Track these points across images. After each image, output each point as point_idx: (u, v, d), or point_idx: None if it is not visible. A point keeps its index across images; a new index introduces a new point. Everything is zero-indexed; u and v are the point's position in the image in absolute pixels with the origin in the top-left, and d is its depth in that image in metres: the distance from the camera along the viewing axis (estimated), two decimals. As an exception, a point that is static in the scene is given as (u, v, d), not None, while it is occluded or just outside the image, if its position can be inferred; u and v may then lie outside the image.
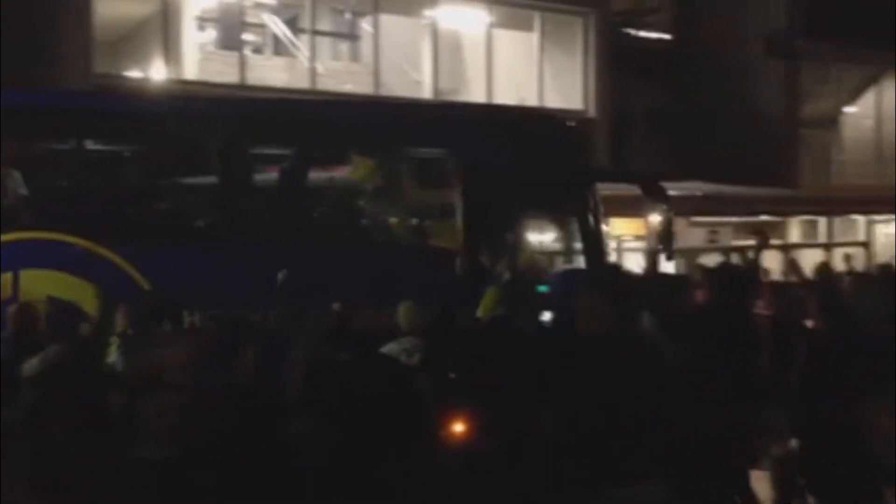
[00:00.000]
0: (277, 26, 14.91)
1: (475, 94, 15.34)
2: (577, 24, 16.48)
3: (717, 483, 4.85)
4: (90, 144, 7.13)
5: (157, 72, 13.28)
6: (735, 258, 10.64)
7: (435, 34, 15.22)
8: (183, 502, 3.19)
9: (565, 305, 4.98)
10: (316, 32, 14.83)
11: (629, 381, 3.54)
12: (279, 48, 15.29)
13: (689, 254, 14.53)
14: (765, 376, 5.23)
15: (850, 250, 17.05)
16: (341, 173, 7.38)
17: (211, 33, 15.00)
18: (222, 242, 6.80)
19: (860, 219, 17.96)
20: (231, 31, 14.34)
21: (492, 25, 15.70)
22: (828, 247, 17.27)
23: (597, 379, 3.51)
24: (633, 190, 7.76)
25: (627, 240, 14.11)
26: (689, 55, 18.81)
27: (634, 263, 9.72)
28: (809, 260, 14.69)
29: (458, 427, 4.36)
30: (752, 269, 6.68)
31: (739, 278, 6.31)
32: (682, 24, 19.67)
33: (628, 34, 18.81)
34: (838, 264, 12.56)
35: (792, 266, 8.97)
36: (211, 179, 7.15)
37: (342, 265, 6.53)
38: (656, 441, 3.48)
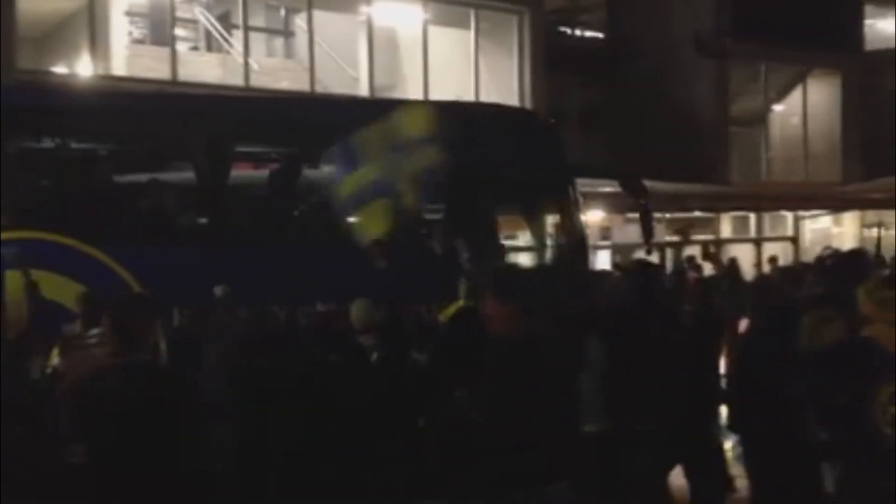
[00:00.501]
0: (209, 22, 14.64)
1: (412, 91, 15.30)
2: (513, 23, 16.57)
3: (632, 481, 4.90)
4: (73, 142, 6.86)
5: (84, 68, 12.92)
6: (668, 254, 10.83)
7: (371, 31, 15.13)
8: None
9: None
10: (249, 28, 14.61)
11: (539, 381, 3.51)
12: (212, 44, 15.01)
13: (625, 250, 14.75)
14: (686, 373, 5.28)
15: (777, 248, 17.55)
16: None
17: (141, 28, 14.65)
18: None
19: (788, 215, 18.44)
20: (161, 26, 14.03)
21: (428, 22, 15.67)
22: (757, 242, 17.69)
23: (505, 380, 3.48)
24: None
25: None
26: (622, 54, 19.08)
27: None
28: (741, 254, 15.08)
29: (369, 426, 4.35)
30: (677, 265, 6.78)
31: (658, 275, 6.39)
32: (616, 24, 19.94)
33: (563, 33, 19.00)
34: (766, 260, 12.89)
35: (713, 260, 9.18)
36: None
37: (325, 265, 6.39)
38: (566, 441, 3.47)
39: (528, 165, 7.13)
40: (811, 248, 18.32)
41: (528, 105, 15.98)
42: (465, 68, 16.12)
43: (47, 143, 6.84)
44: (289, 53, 16.11)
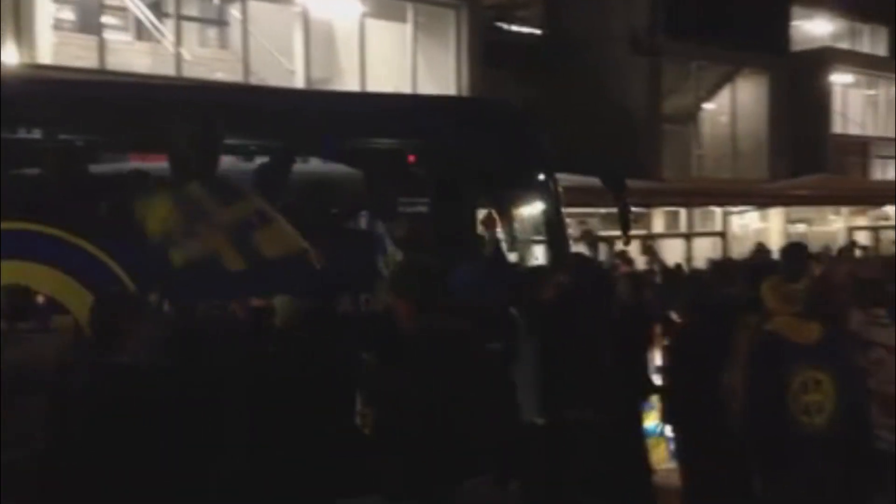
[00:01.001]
0: (140, 9, 14.27)
1: (349, 84, 15.19)
2: (450, 17, 16.57)
3: (560, 478, 4.96)
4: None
5: (7, 55, 12.46)
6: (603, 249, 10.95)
7: (307, 22, 14.96)
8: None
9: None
10: (181, 17, 14.30)
11: (464, 375, 3.51)
12: (142, 32, 14.64)
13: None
14: (614, 365, 5.37)
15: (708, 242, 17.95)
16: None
17: (68, 15, 14.20)
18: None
19: (717, 210, 18.86)
20: (89, 13, 13.63)
21: (365, 15, 15.57)
22: (688, 237, 18.05)
23: (428, 374, 3.47)
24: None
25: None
26: (558, 50, 19.24)
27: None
28: (672, 249, 15.37)
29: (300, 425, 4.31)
30: (609, 260, 6.88)
31: (591, 269, 6.47)
32: (553, 20, 20.12)
33: (500, 28, 19.08)
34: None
35: (649, 254, 9.37)
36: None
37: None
38: (494, 436, 3.48)
39: (510, 160, 7.11)
40: (739, 243, 18.80)
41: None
42: (402, 62, 16.07)
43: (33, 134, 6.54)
44: (223, 44, 15.82)
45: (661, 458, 6.49)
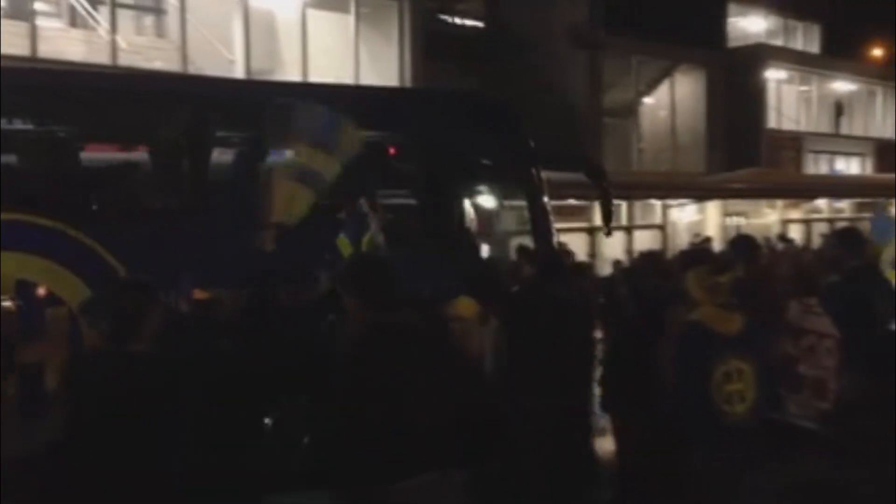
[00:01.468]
0: (74, -4, 13.91)
1: (290, 75, 15.02)
2: (393, 8, 16.50)
3: (511, 470, 4.99)
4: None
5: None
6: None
7: (247, 11, 14.74)
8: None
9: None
10: (117, 4, 13.95)
11: (420, 369, 3.51)
12: (76, 19, 14.25)
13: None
14: (561, 354, 5.42)
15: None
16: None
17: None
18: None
19: (657, 203, 19.16)
20: (21, -1, 13.22)
21: (307, 5, 15.41)
22: (628, 230, 18.30)
23: (383, 368, 3.45)
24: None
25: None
26: (500, 43, 19.30)
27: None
28: (613, 241, 15.56)
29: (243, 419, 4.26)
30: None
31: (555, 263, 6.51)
32: (494, 13, 20.17)
33: (443, 20, 19.06)
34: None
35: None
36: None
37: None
38: (447, 430, 3.48)
39: (494, 153, 7.10)
40: (678, 235, 19.14)
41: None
42: (345, 53, 15.94)
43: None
44: (160, 32, 15.47)
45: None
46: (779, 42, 26.89)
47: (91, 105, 5.91)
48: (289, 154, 5.93)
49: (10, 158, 5.70)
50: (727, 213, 20.42)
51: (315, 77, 14.88)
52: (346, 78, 15.42)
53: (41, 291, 5.21)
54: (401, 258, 4.65)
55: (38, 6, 13.46)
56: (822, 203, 23.07)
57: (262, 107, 5.87)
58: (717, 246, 14.01)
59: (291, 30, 15.48)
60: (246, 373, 4.37)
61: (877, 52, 30.17)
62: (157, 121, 5.99)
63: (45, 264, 5.34)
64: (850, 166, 27.89)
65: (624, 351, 5.34)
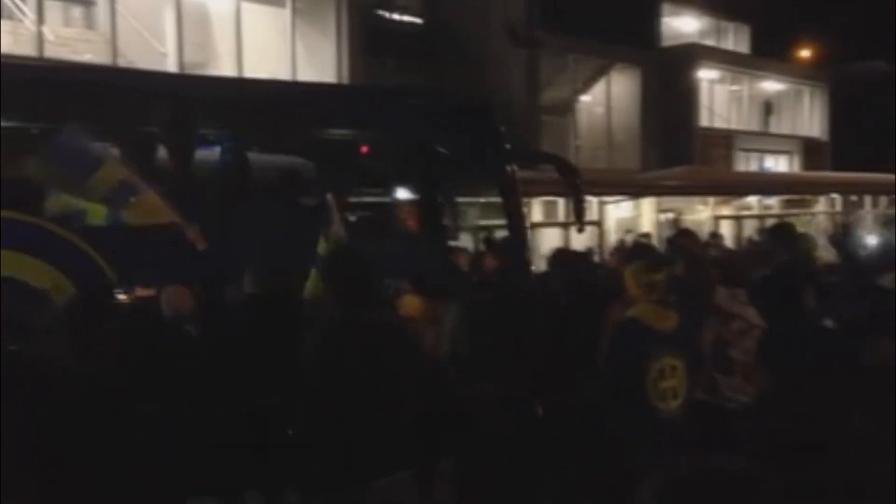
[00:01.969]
0: (-3, -15, 13.43)
1: (224, 68, 14.76)
2: (330, 3, 16.35)
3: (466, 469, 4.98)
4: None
5: None
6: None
7: (178, 3, 14.43)
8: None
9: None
10: (44, -6, 13.54)
11: (392, 368, 3.47)
12: (1, 10, 13.76)
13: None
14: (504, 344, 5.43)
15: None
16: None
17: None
18: None
19: (594, 200, 19.35)
20: (-60, -13, 12.74)
21: (241, -1, 15.18)
22: (565, 226, 18.47)
23: (356, 366, 3.41)
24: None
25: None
26: (439, 40, 19.29)
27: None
28: (550, 238, 15.69)
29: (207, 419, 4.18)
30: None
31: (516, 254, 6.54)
32: (432, 9, 20.14)
33: (382, 16, 18.95)
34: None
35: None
36: None
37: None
38: (406, 430, 3.45)
39: (469, 150, 7.07)
40: (614, 232, 19.38)
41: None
42: (281, 48, 15.74)
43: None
44: (89, 24, 15.04)
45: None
46: (711, 42, 27.45)
47: None
48: None
49: None
50: (661, 210, 20.75)
51: (249, 71, 14.66)
52: (283, 73, 15.23)
53: None
54: (377, 255, 4.64)
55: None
56: (752, 200, 23.63)
57: None
58: (652, 242, 14.22)
59: (225, 23, 15.22)
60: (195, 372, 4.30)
61: (804, 53, 31.05)
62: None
63: None
64: (778, 164, 28.63)
65: (559, 345, 5.37)
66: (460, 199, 7.72)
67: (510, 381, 5.06)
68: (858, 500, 3.49)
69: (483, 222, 8.16)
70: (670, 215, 20.49)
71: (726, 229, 20.17)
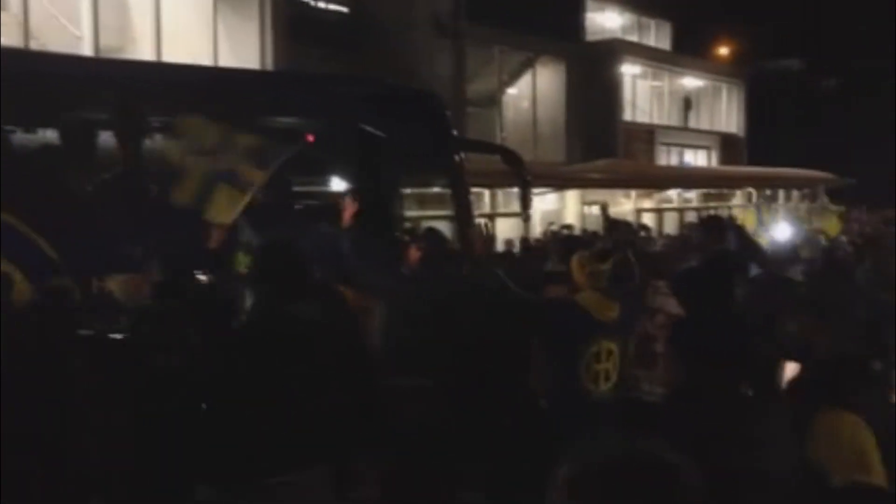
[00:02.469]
0: None
1: (143, 53, 14.32)
2: (253, -11, 16.04)
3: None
4: None
5: None
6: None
7: (95, -15, 13.95)
8: None
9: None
10: (-52, -28, 12.91)
11: (315, 363, 3.40)
12: None
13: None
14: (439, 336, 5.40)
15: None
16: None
17: None
18: None
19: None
20: None
21: (160, -18, 14.74)
22: (491, 217, 18.55)
23: (256, 362, 3.33)
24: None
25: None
26: (365, 29, 19.12)
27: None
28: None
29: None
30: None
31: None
32: (358, -1, 19.94)
33: (306, 3, 18.67)
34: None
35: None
36: None
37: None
38: (317, 427, 3.39)
39: (418, 140, 7.00)
40: (538, 223, 19.56)
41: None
42: (202, 33, 15.35)
43: None
44: (-1, 4, 14.43)
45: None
46: (633, 38, 27.92)
47: None
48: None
49: None
50: (585, 202, 21.05)
51: (169, 56, 14.26)
52: (203, 58, 14.84)
53: None
54: (313, 246, 4.55)
55: None
56: (672, 193, 24.17)
57: None
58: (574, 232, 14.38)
59: (143, 6, 14.76)
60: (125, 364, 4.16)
61: (723, 51, 31.87)
62: None
63: None
64: (697, 158, 29.35)
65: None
66: (407, 190, 7.71)
67: (436, 375, 5.04)
68: (764, 490, 3.59)
69: (430, 213, 8.19)
70: (595, 208, 20.80)
71: (647, 222, 20.58)
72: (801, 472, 3.13)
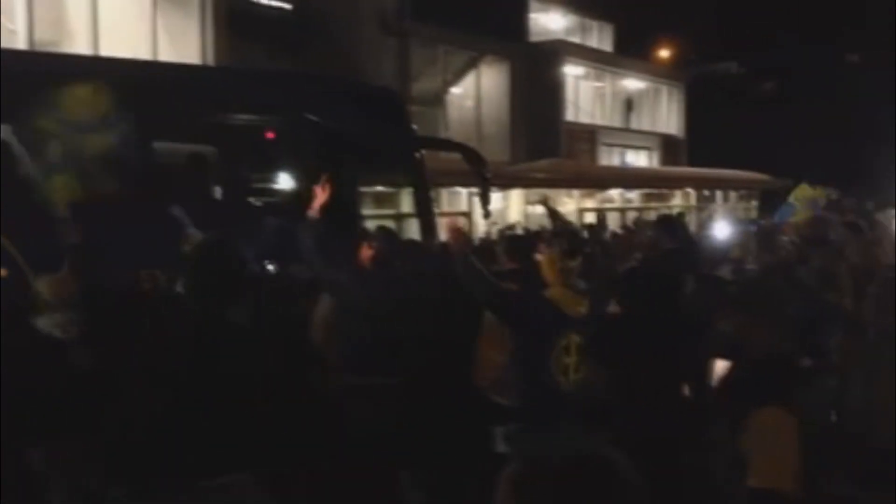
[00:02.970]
0: None
1: (79, 47, 13.97)
2: (193, -17, 15.77)
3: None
4: None
5: None
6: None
7: (29, -23, 13.56)
8: None
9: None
10: None
11: (245, 364, 3.34)
12: None
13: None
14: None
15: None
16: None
17: None
18: None
19: (463, 191, 19.52)
20: None
21: (96, -26, 14.39)
22: (441, 215, 18.56)
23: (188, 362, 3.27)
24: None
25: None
26: (309, 27, 18.95)
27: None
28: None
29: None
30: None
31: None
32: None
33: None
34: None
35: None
36: None
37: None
38: (251, 429, 3.33)
39: (378, 138, 6.94)
40: (482, 223, 19.63)
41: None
42: (140, 27, 15.03)
43: None
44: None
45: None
46: (576, 39, 28.20)
47: None
48: None
49: None
50: (529, 202, 21.18)
51: (106, 51, 13.94)
52: (142, 54, 14.54)
53: None
54: (263, 244, 4.49)
55: None
56: (614, 193, 24.48)
57: None
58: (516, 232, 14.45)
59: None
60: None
61: (663, 53, 32.40)
62: None
63: None
64: (638, 159, 29.79)
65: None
66: (367, 187, 7.71)
67: (380, 373, 5.00)
68: (707, 489, 3.65)
69: (390, 210, 8.23)
70: (538, 207, 20.95)
71: (590, 221, 20.79)
72: (735, 472, 3.18)
